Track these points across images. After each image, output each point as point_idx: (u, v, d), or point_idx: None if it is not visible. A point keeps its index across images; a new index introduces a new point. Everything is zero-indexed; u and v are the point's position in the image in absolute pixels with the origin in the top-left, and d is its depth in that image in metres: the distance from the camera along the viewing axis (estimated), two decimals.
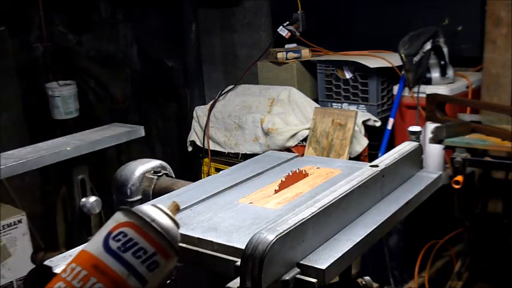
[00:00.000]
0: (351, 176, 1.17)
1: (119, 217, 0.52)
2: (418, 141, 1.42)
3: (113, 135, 2.59)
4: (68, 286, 0.50)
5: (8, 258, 2.90)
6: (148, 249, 0.52)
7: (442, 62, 3.12)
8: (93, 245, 0.52)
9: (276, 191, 1.29)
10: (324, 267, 0.93)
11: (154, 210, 0.53)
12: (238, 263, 0.90)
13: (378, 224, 1.11)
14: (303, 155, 3.06)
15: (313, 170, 1.43)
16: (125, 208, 0.53)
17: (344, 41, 3.65)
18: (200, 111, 3.84)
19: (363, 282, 1.25)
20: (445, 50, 3.13)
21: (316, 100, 3.58)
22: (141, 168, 1.49)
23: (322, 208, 1.00)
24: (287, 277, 0.91)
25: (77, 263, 0.51)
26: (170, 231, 0.53)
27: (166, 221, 0.53)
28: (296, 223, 0.94)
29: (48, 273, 0.81)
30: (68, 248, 0.97)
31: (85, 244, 0.53)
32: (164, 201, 1.28)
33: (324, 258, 0.96)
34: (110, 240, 0.51)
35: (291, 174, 1.35)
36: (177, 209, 0.54)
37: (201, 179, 1.56)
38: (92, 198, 2.04)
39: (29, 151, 2.22)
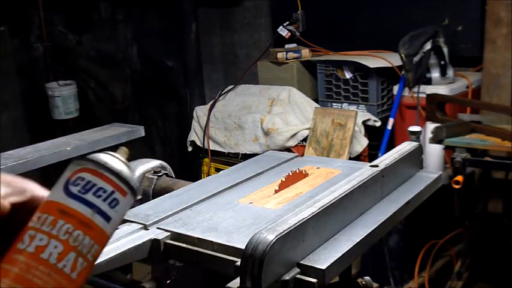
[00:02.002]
0: (351, 176, 1.17)
1: (73, 166, 0.57)
2: (418, 141, 1.42)
3: (113, 135, 2.59)
4: (38, 232, 0.53)
5: None
6: (107, 188, 0.56)
7: (442, 62, 3.11)
8: (55, 193, 0.56)
9: (276, 191, 1.29)
10: (324, 267, 0.93)
11: (106, 156, 0.58)
12: (238, 263, 0.90)
13: (378, 224, 1.11)
14: (303, 155, 3.06)
15: (313, 170, 1.43)
16: (77, 158, 0.58)
17: (344, 41, 3.65)
18: (200, 111, 3.84)
19: (363, 282, 1.25)
20: (445, 50, 3.13)
21: (316, 100, 3.58)
22: (141, 168, 1.49)
23: (322, 208, 1.00)
24: (287, 277, 0.91)
25: (42, 212, 0.55)
26: (123, 171, 0.57)
27: (118, 163, 0.57)
28: (296, 223, 0.94)
29: None
30: None
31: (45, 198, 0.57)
32: (164, 201, 1.28)
33: (324, 258, 0.96)
34: (69, 186, 0.55)
35: (291, 174, 1.35)
36: (126, 153, 0.60)
37: (201, 179, 1.56)
38: None
39: (29, 151, 2.22)
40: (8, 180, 0.57)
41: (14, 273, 0.52)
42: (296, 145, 3.29)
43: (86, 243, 0.55)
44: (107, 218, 0.56)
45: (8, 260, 0.52)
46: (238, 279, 0.88)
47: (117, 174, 0.57)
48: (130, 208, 0.60)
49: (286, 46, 3.77)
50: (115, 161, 0.58)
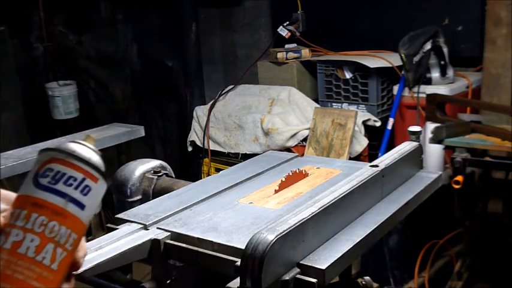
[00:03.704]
0: (351, 176, 1.17)
1: (40, 158, 0.56)
2: (418, 141, 1.42)
3: (113, 135, 2.59)
4: (13, 228, 0.53)
5: None
6: (77, 175, 0.56)
7: (442, 62, 3.11)
8: (25, 188, 0.55)
9: (276, 191, 1.29)
10: (324, 267, 0.93)
11: (73, 144, 0.58)
12: (238, 263, 0.90)
13: (378, 224, 1.11)
14: (303, 155, 3.06)
15: (313, 170, 1.43)
16: (43, 149, 0.57)
17: (344, 41, 3.65)
18: (200, 111, 3.84)
19: (363, 282, 1.25)
20: (445, 50, 3.12)
21: (316, 100, 3.58)
22: (141, 168, 1.49)
23: (322, 208, 1.00)
24: (287, 277, 0.91)
25: (15, 207, 0.55)
26: (92, 158, 0.57)
27: (86, 150, 0.57)
28: (296, 223, 0.94)
29: None
30: None
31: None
32: (164, 201, 1.28)
33: (324, 258, 0.96)
34: (39, 178, 0.55)
35: (291, 174, 1.35)
36: (94, 140, 0.60)
37: (201, 179, 1.56)
38: None
39: (29, 151, 2.22)
40: (7, 196, 0.57)
41: None
42: (296, 145, 3.29)
43: (62, 233, 0.55)
44: (81, 205, 0.56)
45: None
46: (238, 279, 0.88)
47: (85, 161, 0.57)
48: (104, 193, 0.60)
49: (286, 46, 3.77)
50: (83, 148, 0.58)
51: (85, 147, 0.58)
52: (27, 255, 0.53)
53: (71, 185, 0.56)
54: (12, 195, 0.57)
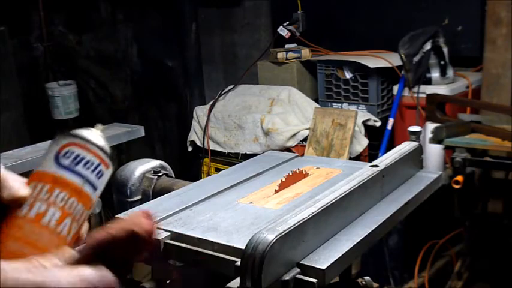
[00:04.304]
0: (351, 176, 1.17)
1: (60, 141, 0.63)
2: (418, 141, 1.42)
3: (113, 135, 2.59)
4: (36, 200, 0.59)
5: None
6: (94, 160, 0.62)
7: (442, 62, 3.11)
8: (46, 165, 0.61)
9: (276, 191, 1.29)
10: (324, 267, 0.93)
11: (88, 131, 0.65)
12: (238, 263, 0.90)
13: (378, 224, 1.11)
14: (303, 155, 3.06)
15: (313, 170, 1.43)
16: (62, 133, 0.64)
17: (344, 41, 3.65)
18: (200, 111, 3.84)
19: (363, 282, 1.25)
20: (445, 50, 3.13)
21: (316, 100, 3.58)
22: (141, 168, 1.49)
23: (322, 208, 1.00)
24: (287, 277, 0.91)
25: (37, 181, 0.60)
26: (105, 146, 0.64)
27: (100, 139, 0.64)
28: (296, 223, 0.93)
29: None
30: None
31: (35, 169, 0.62)
32: (164, 201, 1.28)
33: (324, 258, 0.96)
34: (60, 159, 0.61)
35: (291, 174, 1.35)
36: (102, 129, 0.67)
37: (201, 179, 1.56)
38: None
39: (29, 151, 2.22)
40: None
41: (19, 236, 0.57)
42: (296, 145, 3.29)
43: (78, 210, 0.61)
44: (94, 187, 0.63)
45: (11, 226, 0.57)
46: (238, 279, 0.88)
47: (102, 149, 0.63)
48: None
49: (286, 46, 3.77)
50: (97, 136, 0.64)
51: (98, 136, 0.64)
52: (49, 226, 0.59)
53: (88, 168, 0.62)
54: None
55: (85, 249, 0.59)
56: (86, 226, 0.65)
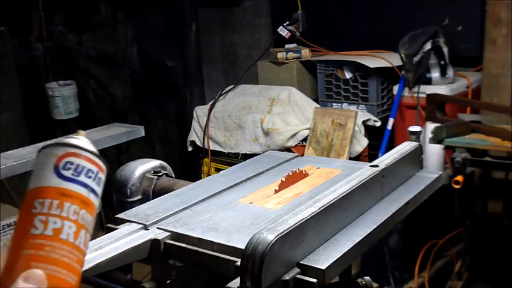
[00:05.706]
0: (351, 176, 1.17)
1: (54, 153, 0.61)
2: (418, 141, 1.42)
3: (113, 135, 2.59)
4: (49, 216, 0.57)
5: None
6: (93, 169, 0.62)
7: (442, 62, 3.11)
8: (46, 180, 0.59)
9: (276, 191, 1.29)
10: (324, 267, 0.93)
11: (77, 139, 0.63)
12: (238, 263, 0.90)
13: (378, 224, 1.11)
14: (303, 155, 3.06)
15: (313, 170, 1.43)
16: (52, 144, 0.62)
17: (344, 41, 3.65)
18: (200, 111, 3.84)
19: (363, 282, 1.25)
20: (445, 50, 3.12)
21: (316, 100, 3.58)
22: (141, 168, 1.49)
23: (322, 208, 1.00)
24: (287, 277, 0.91)
25: (44, 197, 0.58)
26: (96, 151, 0.64)
27: (90, 145, 0.64)
28: (296, 223, 0.94)
29: None
30: None
31: (31, 186, 0.60)
32: (164, 201, 1.28)
33: (324, 258, 0.96)
34: (61, 171, 0.60)
35: (291, 174, 1.35)
36: (84, 134, 0.66)
37: (201, 179, 1.56)
38: None
39: (29, 151, 2.22)
40: None
41: (40, 256, 0.56)
42: (296, 145, 3.29)
43: (88, 220, 0.61)
44: (97, 195, 0.63)
45: (28, 246, 0.57)
46: (238, 279, 0.88)
47: (97, 156, 0.63)
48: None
49: (286, 46, 3.77)
50: (87, 142, 0.64)
51: (87, 142, 0.64)
52: (68, 240, 0.58)
53: (90, 177, 0.62)
54: None
55: None
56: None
